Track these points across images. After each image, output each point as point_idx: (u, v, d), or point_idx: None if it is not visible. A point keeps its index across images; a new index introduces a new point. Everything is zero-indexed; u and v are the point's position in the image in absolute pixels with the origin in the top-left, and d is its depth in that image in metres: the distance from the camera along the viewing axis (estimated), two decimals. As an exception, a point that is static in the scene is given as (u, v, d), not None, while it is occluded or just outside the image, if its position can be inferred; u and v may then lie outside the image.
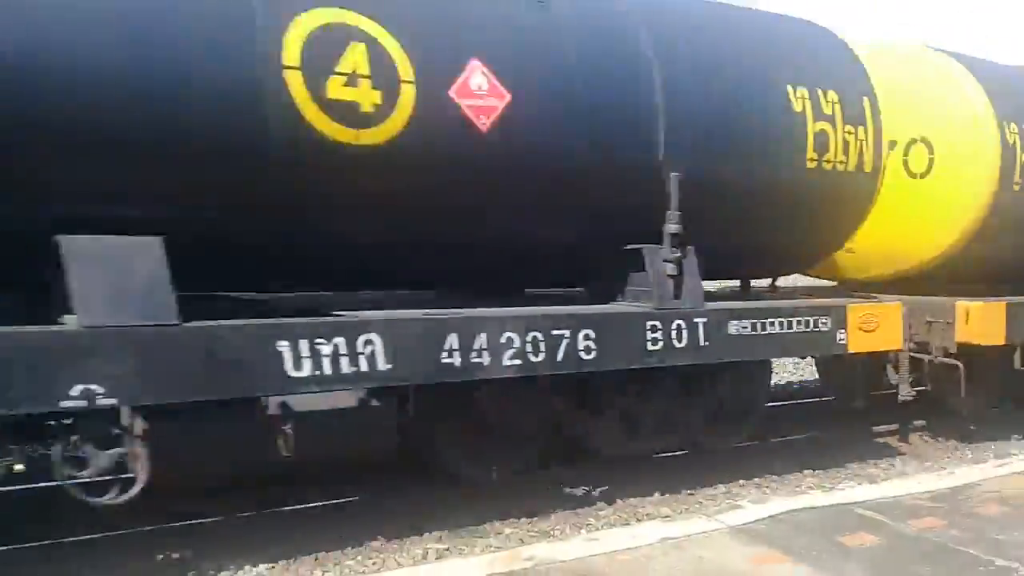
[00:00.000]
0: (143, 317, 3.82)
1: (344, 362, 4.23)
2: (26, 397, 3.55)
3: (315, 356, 4.15)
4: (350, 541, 4.98)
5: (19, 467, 4.76)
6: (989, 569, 4.09)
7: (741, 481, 6.40)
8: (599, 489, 6.07)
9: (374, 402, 4.61)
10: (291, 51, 4.22)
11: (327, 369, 4.19)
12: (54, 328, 3.75)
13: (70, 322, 3.74)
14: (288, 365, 4.09)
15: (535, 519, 5.47)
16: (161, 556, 4.72)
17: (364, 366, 4.29)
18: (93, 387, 3.66)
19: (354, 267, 5.09)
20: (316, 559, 4.78)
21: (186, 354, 3.87)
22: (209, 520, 5.13)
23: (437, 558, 4.77)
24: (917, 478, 5.94)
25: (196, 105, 4.05)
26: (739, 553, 4.29)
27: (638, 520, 5.40)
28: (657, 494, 6.01)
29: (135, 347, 3.76)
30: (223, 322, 4.05)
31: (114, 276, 3.82)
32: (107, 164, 3.97)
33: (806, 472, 6.67)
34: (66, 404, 3.62)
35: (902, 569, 4.09)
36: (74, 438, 3.87)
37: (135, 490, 3.98)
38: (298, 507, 5.48)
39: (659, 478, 6.33)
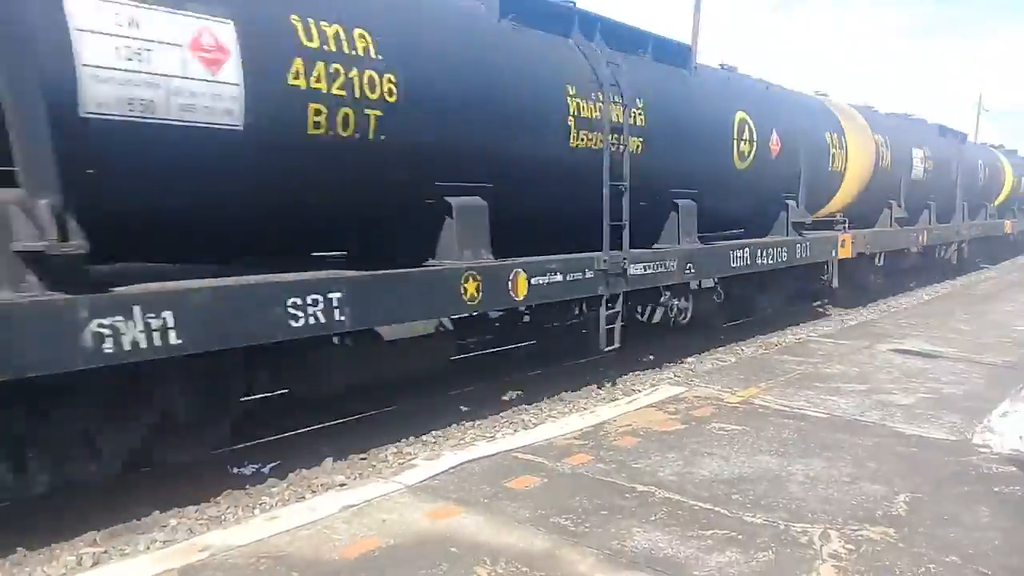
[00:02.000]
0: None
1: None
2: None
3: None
4: (-17, 558, 4.33)
5: None
6: (633, 495, 4.66)
7: (410, 438, 6.59)
8: (269, 465, 5.90)
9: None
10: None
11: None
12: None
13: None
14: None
15: (203, 505, 5.17)
16: None
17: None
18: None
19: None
20: (-60, 586, 4.10)
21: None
22: None
23: (94, 563, 4.30)
24: (564, 420, 6.55)
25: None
26: (419, 511, 4.43)
27: (314, 492, 5.33)
28: (330, 462, 5.98)
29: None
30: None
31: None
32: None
33: (467, 424, 7.04)
34: None
35: (562, 504, 4.51)
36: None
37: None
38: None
39: (330, 445, 6.30)
